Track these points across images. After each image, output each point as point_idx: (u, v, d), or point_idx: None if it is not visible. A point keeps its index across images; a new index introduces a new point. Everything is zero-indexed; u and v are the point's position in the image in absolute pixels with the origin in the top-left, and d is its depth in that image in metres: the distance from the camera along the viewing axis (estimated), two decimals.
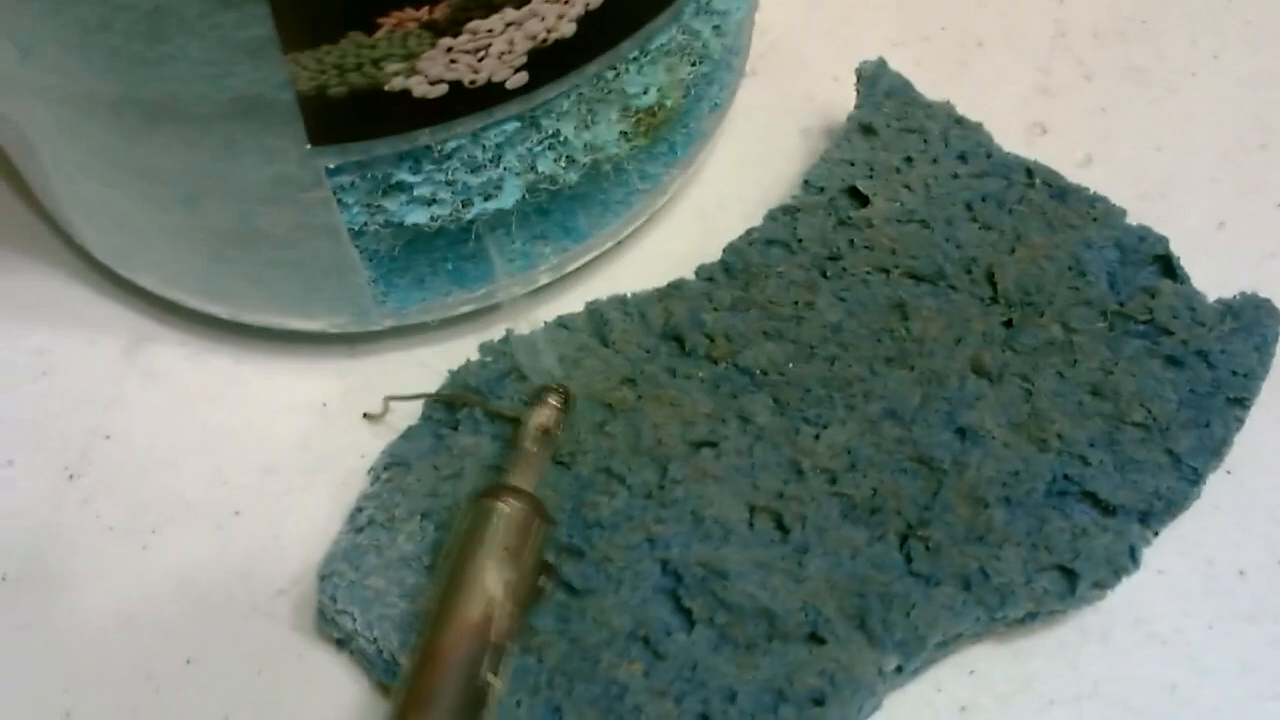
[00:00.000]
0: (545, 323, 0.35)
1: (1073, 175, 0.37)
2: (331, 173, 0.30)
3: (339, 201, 0.31)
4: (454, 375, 0.34)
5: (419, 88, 0.28)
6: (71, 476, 0.35)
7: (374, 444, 0.34)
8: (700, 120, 0.36)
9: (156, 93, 0.28)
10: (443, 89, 0.29)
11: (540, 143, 0.32)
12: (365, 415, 0.35)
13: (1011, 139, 0.38)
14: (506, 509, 0.30)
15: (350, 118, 0.29)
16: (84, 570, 0.34)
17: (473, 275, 0.35)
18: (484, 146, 0.31)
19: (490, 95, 0.30)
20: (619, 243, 0.37)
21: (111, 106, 0.29)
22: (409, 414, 0.34)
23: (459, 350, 0.35)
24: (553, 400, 0.32)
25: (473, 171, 0.31)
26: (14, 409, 0.36)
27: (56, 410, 0.36)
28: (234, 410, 0.36)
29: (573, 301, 0.36)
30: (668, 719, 0.30)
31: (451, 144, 0.30)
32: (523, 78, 0.30)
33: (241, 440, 0.36)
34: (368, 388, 0.36)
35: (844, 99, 0.39)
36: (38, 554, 0.34)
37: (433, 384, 0.35)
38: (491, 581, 0.29)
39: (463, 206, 0.32)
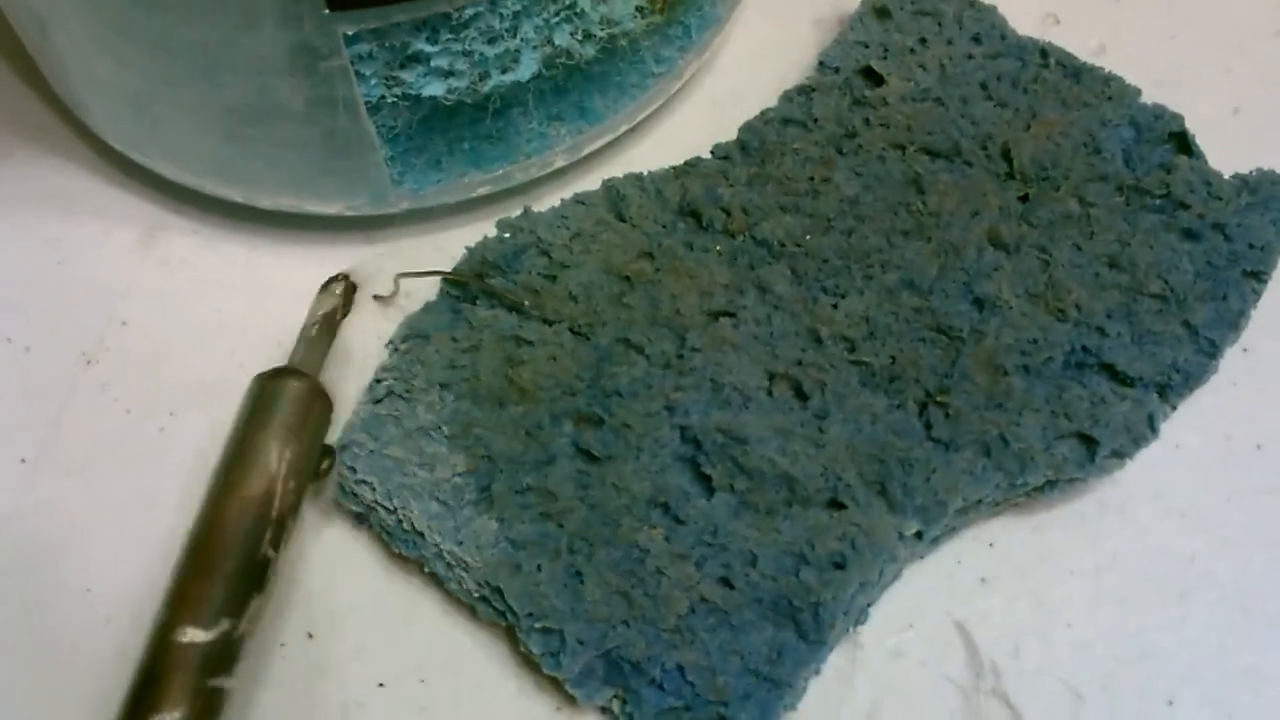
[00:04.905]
0: (561, 199, 0.35)
1: None
2: (349, 41, 0.30)
3: (356, 73, 0.31)
4: (472, 251, 0.34)
5: None
6: (89, 362, 0.35)
7: (388, 327, 0.34)
8: (715, 4, 0.36)
9: None
10: None
11: (557, 14, 0.32)
12: (375, 297, 0.35)
13: (1025, 28, 0.38)
14: (287, 388, 0.31)
15: None
16: (102, 453, 0.34)
17: (489, 156, 0.35)
18: (501, 15, 0.31)
19: None
20: (634, 128, 0.37)
21: None
22: (425, 295, 0.34)
23: (474, 236, 0.35)
24: (336, 290, 0.34)
25: (490, 42, 0.31)
26: (30, 297, 0.36)
27: (72, 298, 0.36)
28: (248, 296, 0.36)
29: (589, 185, 0.36)
30: (689, 582, 0.30)
31: (469, 12, 0.30)
32: None
33: (256, 324, 0.35)
34: (383, 272, 0.36)
35: None
36: (56, 437, 0.34)
37: (448, 268, 0.34)
38: (274, 459, 0.30)
39: (480, 79, 0.32)
